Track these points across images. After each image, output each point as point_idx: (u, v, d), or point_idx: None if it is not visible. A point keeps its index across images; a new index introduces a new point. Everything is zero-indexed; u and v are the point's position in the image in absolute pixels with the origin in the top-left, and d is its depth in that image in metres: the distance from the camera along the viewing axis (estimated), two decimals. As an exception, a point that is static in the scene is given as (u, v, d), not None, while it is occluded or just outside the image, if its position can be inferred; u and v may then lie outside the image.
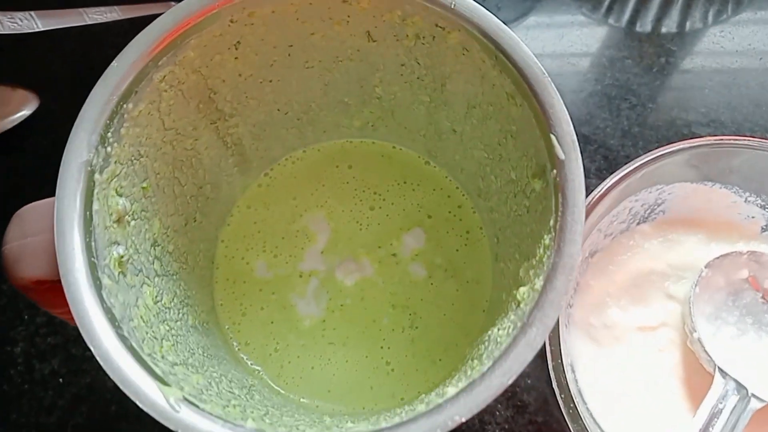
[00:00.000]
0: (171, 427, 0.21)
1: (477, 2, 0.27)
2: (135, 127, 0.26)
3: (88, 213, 0.23)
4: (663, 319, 0.39)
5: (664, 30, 0.54)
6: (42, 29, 0.44)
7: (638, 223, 0.41)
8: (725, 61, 0.52)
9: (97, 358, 0.21)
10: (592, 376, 0.37)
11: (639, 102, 0.50)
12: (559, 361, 0.34)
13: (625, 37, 0.54)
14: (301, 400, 0.33)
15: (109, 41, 0.50)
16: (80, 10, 0.45)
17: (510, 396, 0.40)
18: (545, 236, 0.24)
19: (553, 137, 0.24)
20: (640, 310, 0.39)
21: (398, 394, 0.33)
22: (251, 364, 0.34)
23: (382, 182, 0.38)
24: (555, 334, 0.34)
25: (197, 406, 0.21)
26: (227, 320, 0.35)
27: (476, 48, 0.27)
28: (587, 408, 0.34)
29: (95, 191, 0.24)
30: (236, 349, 0.34)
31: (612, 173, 0.37)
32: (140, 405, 0.21)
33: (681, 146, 0.37)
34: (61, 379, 0.40)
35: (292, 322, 0.35)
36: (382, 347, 0.34)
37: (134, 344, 0.22)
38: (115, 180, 0.25)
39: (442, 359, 0.34)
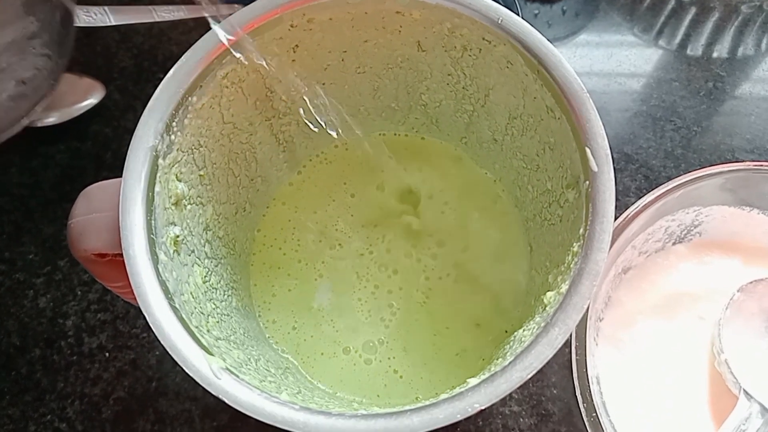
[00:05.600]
0: (212, 392, 0.22)
1: (525, 19, 0.28)
2: (197, 119, 0.28)
3: (150, 194, 0.25)
4: (692, 339, 0.39)
5: (714, 55, 0.54)
6: (114, 24, 0.47)
7: (674, 243, 0.42)
8: (774, 88, 0.52)
9: (150, 325, 0.23)
10: (617, 389, 0.38)
11: (684, 124, 0.50)
12: (584, 370, 0.34)
13: (674, 59, 0.54)
14: (319, 384, 0.34)
15: (174, 38, 0.53)
16: (150, 7, 0.48)
17: (535, 404, 0.40)
18: (574, 244, 0.25)
19: (588, 150, 0.25)
20: (669, 329, 0.39)
21: (411, 394, 0.34)
22: (275, 344, 0.35)
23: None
24: (582, 347, 0.35)
25: (237, 376, 0.23)
26: (260, 300, 0.36)
27: (520, 62, 0.28)
28: (610, 420, 0.34)
29: (158, 174, 0.26)
30: (264, 326, 0.35)
31: (651, 193, 0.38)
32: (186, 370, 0.23)
33: (719, 169, 0.38)
34: (107, 354, 0.42)
35: (310, 311, 0.36)
36: (389, 358, 0.35)
37: (184, 316, 0.24)
38: (176, 166, 0.27)
39: (463, 364, 0.34)
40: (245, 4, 0.29)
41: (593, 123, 0.25)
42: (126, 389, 0.41)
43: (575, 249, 0.25)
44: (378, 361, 0.34)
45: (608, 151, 0.25)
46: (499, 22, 0.28)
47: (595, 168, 0.25)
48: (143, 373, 0.41)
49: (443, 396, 0.23)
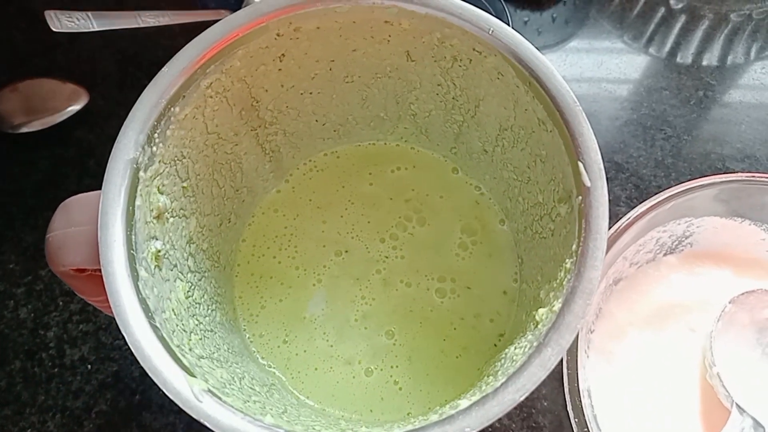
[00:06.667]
0: (193, 416, 0.22)
1: (515, 27, 0.28)
2: (180, 130, 0.27)
3: (131, 208, 0.25)
4: (683, 351, 0.39)
5: (704, 63, 0.54)
6: (97, 29, 0.46)
7: (665, 254, 0.41)
8: (764, 97, 0.52)
9: (129, 345, 0.22)
10: (609, 403, 0.37)
11: (674, 133, 0.50)
12: (576, 384, 0.34)
13: (664, 67, 0.54)
14: (307, 401, 0.33)
15: (159, 44, 0.52)
16: (134, 12, 0.47)
17: (525, 417, 0.40)
18: (567, 260, 0.24)
19: (580, 164, 0.25)
20: (660, 341, 0.39)
21: (405, 408, 0.33)
22: (261, 359, 0.34)
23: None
24: (573, 359, 0.35)
25: (219, 398, 0.22)
26: (246, 313, 0.35)
27: (511, 73, 0.28)
28: (601, 434, 0.34)
29: (139, 188, 0.25)
30: (249, 340, 0.35)
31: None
32: (166, 392, 0.22)
33: (712, 180, 0.37)
34: (89, 366, 0.41)
35: (303, 322, 0.35)
36: (392, 367, 0.34)
37: (165, 335, 0.23)
38: (158, 178, 0.27)
39: (462, 370, 0.34)
40: (232, 12, 0.28)
41: (586, 137, 0.25)
42: (108, 402, 0.40)
43: (568, 265, 0.24)
44: (379, 370, 0.34)
45: (601, 166, 0.24)
46: (490, 32, 0.27)
47: (588, 183, 0.24)
48: (126, 386, 0.41)
49: (433, 418, 0.22)
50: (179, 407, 0.39)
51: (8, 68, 0.52)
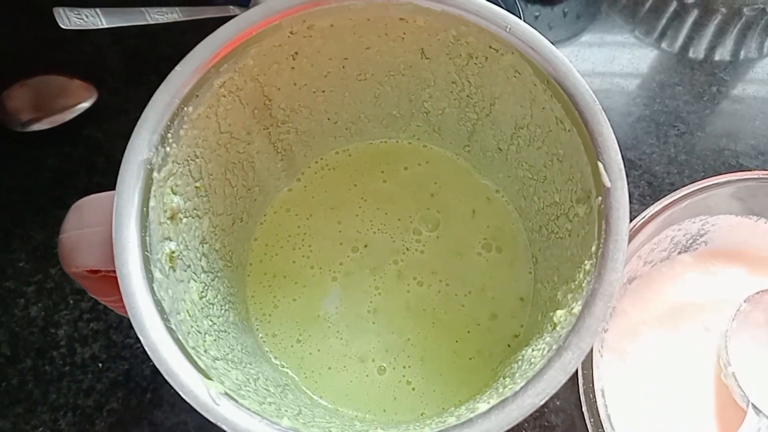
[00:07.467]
0: (211, 420, 0.22)
1: (526, 21, 0.28)
2: (193, 129, 0.27)
3: (145, 209, 0.24)
4: (698, 351, 0.38)
5: (717, 58, 0.53)
6: (106, 26, 0.45)
7: (679, 253, 0.41)
8: (778, 93, 0.52)
9: (146, 348, 0.22)
10: (623, 402, 0.37)
11: (687, 130, 0.49)
12: (591, 385, 0.34)
13: (676, 63, 0.53)
14: (320, 401, 0.33)
15: (168, 41, 0.52)
16: (143, 9, 0.47)
17: (537, 416, 0.39)
18: (586, 261, 0.24)
19: (600, 165, 0.24)
20: (675, 340, 0.39)
21: (419, 409, 0.33)
22: (274, 359, 0.34)
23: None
24: (588, 358, 0.34)
25: (236, 401, 0.22)
26: (259, 313, 0.35)
27: (528, 71, 0.28)
28: (615, 435, 0.34)
29: (153, 189, 0.25)
30: (262, 340, 0.34)
31: (656, 200, 0.37)
32: (183, 396, 0.22)
33: (728, 178, 0.37)
34: (100, 364, 0.41)
35: (317, 321, 0.35)
36: (404, 367, 0.34)
37: (180, 337, 0.23)
38: (171, 179, 0.26)
39: (476, 370, 0.33)
40: (240, 7, 0.28)
41: (606, 136, 0.24)
42: (120, 400, 0.40)
43: (587, 267, 0.24)
44: (392, 368, 0.33)
45: (622, 166, 0.24)
46: (507, 30, 0.27)
47: (608, 183, 0.24)
48: (137, 384, 0.41)
49: (450, 420, 0.22)
50: (190, 406, 0.40)
51: (17, 65, 0.51)
